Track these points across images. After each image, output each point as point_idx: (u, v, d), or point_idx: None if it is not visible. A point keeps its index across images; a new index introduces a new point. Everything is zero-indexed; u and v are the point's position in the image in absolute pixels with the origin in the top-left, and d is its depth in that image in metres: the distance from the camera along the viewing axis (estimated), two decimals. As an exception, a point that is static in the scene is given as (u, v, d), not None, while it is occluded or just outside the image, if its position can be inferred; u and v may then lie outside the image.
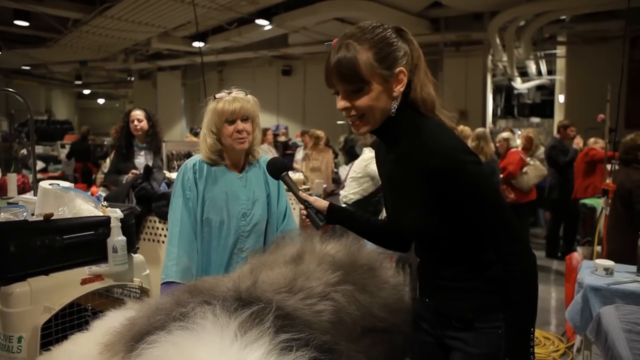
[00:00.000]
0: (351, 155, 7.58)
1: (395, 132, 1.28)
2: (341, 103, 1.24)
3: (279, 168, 1.57)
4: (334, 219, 1.50)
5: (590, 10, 9.10)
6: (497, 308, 1.23)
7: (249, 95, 1.91)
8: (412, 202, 1.25)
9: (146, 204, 3.11)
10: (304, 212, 1.50)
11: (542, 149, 6.47)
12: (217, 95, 1.90)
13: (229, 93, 1.89)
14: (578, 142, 5.99)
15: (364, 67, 1.19)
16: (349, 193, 4.39)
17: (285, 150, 8.59)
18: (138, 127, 3.75)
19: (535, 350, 1.27)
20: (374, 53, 1.19)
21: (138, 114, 3.79)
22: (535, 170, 5.55)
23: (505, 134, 6.12)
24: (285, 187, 1.68)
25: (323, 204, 1.49)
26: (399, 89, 1.22)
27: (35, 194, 2.39)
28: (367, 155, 4.32)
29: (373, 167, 4.12)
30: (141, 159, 3.80)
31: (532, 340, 1.18)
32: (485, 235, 1.20)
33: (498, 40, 10.14)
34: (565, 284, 4.03)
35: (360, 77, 1.19)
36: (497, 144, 5.98)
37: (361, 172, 4.31)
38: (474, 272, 1.26)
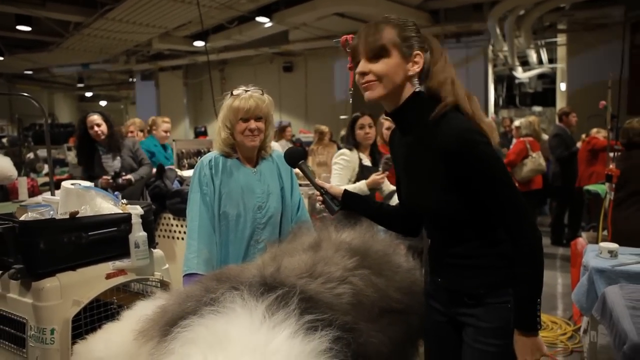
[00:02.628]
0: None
1: (410, 117, 1.36)
2: (361, 66, 1.33)
3: (296, 156, 1.67)
4: (348, 204, 1.59)
5: (589, -3, 9.10)
6: (507, 283, 1.31)
7: (265, 95, 1.99)
8: (429, 182, 1.34)
9: (160, 201, 3.19)
10: (320, 198, 1.58)
11: (545, 137, 6.50)
12: (235, 92, 1.97)
13: (247, 91, 1.97)
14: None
15: (387, 38, 1.31)
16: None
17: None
18: (99, 132, 3.63)
19: (543, 334, 1.34)
20: (398, 32, 1.33)
21: (95, 118, 3.65)
22: (532, 164, 5.43)
23: (517, 122, 6.07)
24: (302, 174, 1.75)
25: (338, 190, 1.59)
26: (415, 69, 1.33)
27: (52, 194, 2.47)
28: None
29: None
30: (108, 161, 3.73)
31: (539, 310, 1.26)
32: (494, 213, 1.28)
33: (498, 30, 10.13)
34: (571, 269, 4.09)
35: (382, 43, 1.31)
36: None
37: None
38: (485, 248, 1.34)
